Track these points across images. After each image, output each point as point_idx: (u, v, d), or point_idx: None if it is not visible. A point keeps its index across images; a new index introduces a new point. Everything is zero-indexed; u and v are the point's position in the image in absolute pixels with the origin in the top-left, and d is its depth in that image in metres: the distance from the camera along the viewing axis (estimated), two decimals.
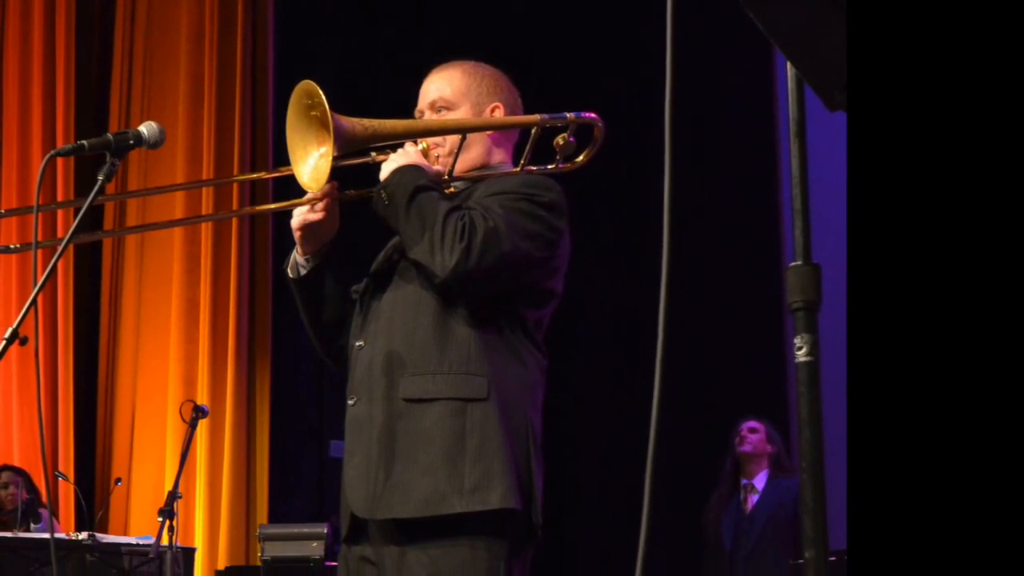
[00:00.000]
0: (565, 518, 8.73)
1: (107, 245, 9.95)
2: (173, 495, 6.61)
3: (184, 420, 7.04)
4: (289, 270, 3.49)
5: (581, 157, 3.45)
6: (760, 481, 7.82)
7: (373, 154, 3.39)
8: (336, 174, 3.28)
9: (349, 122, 3.24)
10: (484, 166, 3.46)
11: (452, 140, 3.40)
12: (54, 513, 8.57)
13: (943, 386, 1.54)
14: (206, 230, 9.44)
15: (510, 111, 3.50)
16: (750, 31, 2.01)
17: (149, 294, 9.69)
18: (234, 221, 9.42)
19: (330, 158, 3.20)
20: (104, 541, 6.86)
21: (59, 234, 8.85)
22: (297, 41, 9.96)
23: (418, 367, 3.22)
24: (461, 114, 3.45)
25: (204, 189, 9.45)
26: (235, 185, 9.42)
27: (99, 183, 3.15)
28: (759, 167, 8.97)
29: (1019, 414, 1.50)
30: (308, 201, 3.37)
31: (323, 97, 3.19)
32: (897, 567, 1.55)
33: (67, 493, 9.13)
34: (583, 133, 3.43)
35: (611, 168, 7.78)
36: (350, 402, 3.33)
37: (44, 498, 8.20)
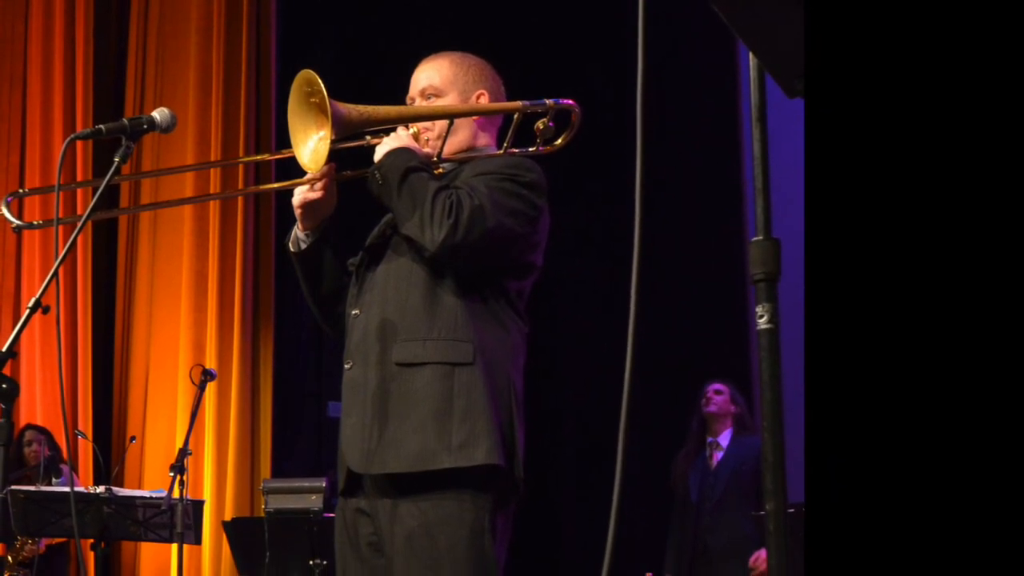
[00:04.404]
0: (545, 473, 8.73)
1: (123, 221, 9.93)
2: (183, 452, 6.61)
3: (194, 383, 7.03)
4: (290, 244, 3.49)
5: (560, 140, 3.45)
6: (725, 439, 7.82)
7: (368, 138, 3.40)
8: (334, 156, 3.28)
9: (346, 108, 3.23)
10: (470, 149, 3.46)
11: (441, 125, 3.40)
12: (74, 468, 8.58)
13: (893, 350, 1.54)
14: (214, 208, 9.43)
15: (494, 98, 3.50)
16: (716, 24, 2.00)
17: (161, 267, 9.67)
18: (240, 199, 9.40)
19: (328, 141, 3.20)
20: (120, 494, 6.85)
21: (79, 211, 8.81)
22: (298, 33, 9.94)
23: (409, 333, 3.22)
24: (449, 101, 3.45)
25: (212, 170, 9.41)
26: (241, 166, 9.39)
27: (115, 164, 3.16)
28: (724, 149, 8.95)
29: (967, 377, 1.50)
30: (308, 181, 3.37)
31: (322, 85, 3.18)
32: (850, 517, 1.56)
33: (86, 450, 9.12)
34: (561, 118, 3.43)
35: (587, 150, 7.75)
36: (346, 366, 3.32)
37: (65, 455, 8.20)
